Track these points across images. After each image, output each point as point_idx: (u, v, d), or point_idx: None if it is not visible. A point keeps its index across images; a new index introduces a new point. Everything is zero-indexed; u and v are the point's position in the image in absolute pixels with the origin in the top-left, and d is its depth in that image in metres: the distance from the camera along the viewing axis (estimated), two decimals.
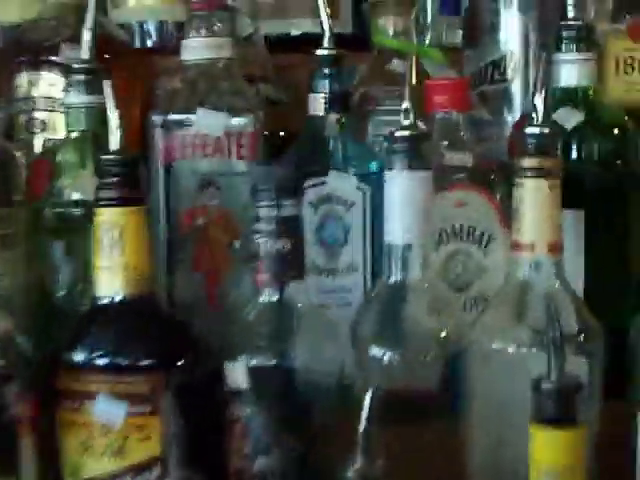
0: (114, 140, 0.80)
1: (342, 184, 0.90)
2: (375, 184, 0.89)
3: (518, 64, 1.06)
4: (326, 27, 0.92)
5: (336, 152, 0.91)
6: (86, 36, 0.89)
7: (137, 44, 1.13)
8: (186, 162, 0.88)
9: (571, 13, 0.94)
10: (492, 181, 0.92)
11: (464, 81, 0.95)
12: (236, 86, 0.91)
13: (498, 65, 1.06)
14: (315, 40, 1.05)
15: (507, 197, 0.88)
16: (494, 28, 1.07)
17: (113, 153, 0.79)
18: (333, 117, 0.91)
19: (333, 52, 0.91)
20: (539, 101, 0.82)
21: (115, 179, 0.79)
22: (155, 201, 0.88)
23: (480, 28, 1.08)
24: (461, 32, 1.14)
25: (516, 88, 1.06)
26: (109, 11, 1.14)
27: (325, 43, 0.92)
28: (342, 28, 1.12)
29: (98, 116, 0.87)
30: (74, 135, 0.91)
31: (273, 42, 1.09)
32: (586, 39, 0.93)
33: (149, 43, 1.14)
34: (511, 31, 1.06)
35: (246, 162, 0.88)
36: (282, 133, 1.00)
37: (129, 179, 0.79)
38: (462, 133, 0.92)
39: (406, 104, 0.80)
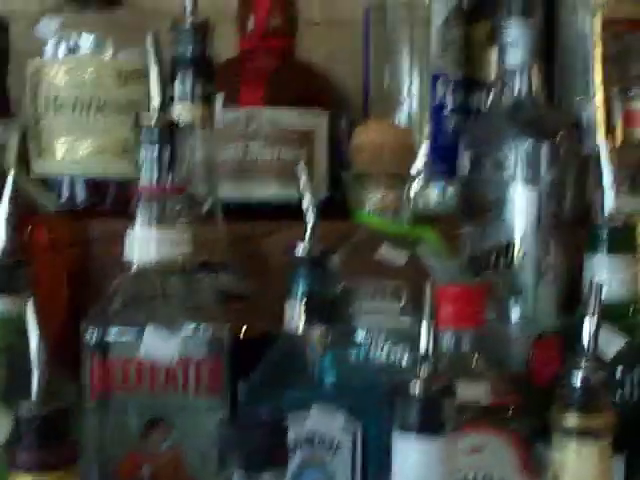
0: (36, 383, 0.60)
1: (326, 421, 0.70)
2: (368, 419, 0.71)
3: (529, 250, 0.88)
4: (310, 217, 0.73)
5: (319, 377, 0.72)
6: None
7: (65, 205, 0.92)
8: (128, 395, 0.68)
9: (609, 202, 0.78)
10: (509, 419, 0.73)
11: (481, 289, 0.76)
12: (195, 290, 0.72)
13: (504, 250, 0.88)
14: (283, 207, 0.91)
15: (526, 437, 0.71)
16: (499, 203, 0.89)
17: (32, 405, 0.59)
18: (316, 332, 0.72)
19: (317, 250, 0.73)
20: (588, 333, 0.64)
21: (32, 438, 0.59)
22: (86, 444, 0.68)
23: (481, 201, 0.90)
24: (455, 205, 0.96)
25: (527, 278, 0.88)
26: (32, 162, 0.94)
27: (307, 238, 0.73)
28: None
29: (12, 325, 0.68)
30: None
31: (232, 209, 0.89)
32: (626, 238, 0.77)
33: (80, 204, 0.93)
34: (520, 209, 0.89)
35: (207, 397, 0.68)
36: (243, 331, 0.80)
37: (52, 438, 0.59)
38: (475, 358, 0.74)
39: (425, 343, 0.61)
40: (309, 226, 0.73)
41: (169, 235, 0.70)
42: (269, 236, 0.93)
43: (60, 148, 0.93)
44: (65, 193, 0.93)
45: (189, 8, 0.82)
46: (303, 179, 0.74)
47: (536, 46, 0.89)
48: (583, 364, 0.65)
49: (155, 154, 0.70)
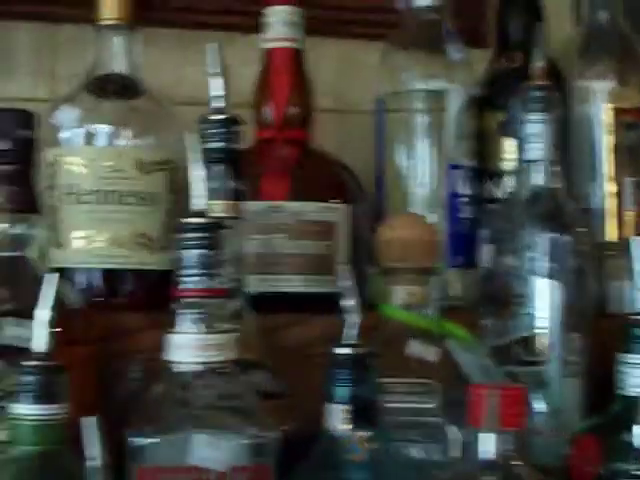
0: None
1: None
2: None
3: (553, 342, 0.88)
4: (354, 319, 0.72)
5: (358, 477, 0.71)
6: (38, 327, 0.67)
7: (82, 297, 0.88)
8: None
9: None
10: None
11: (522, 391, 0.76)
12: (237, 392, 0.71)
13: (529, 343, 0.88)
14: (305, 299, 0.93)
15: None
16: (521, 295, 0.89)
17: None
18: (359, 436, 0.71)
19: (358, 350, 0.72)
20: None
21: None
22: None
23: (504, 294, 0.90)
24: (474, 287, 0.96)
25: (551, 371, 0.88)
26: (49, 252, 0.92)
27: (350, 340, 0.72)
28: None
29: (51, 431, 0.66)
30: (15, 453, 0.69)
31: (254, 301, 0.88)
32: None
33: (97, 296, 0.92)
34: (543, 301, 0.89)
35: None
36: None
37: None
38: (517, 460, 0.73)
39: (490, 451, 0.61)
40: (354, 328, 0.72)
41: (214, 340, 0.69)
42: (291, 328, 0.92)
43: (78, 239, 0.92)
44: (82, 285, 0.92)
45: (221, 102, 0.81)
46: (348, 282, 0.73)
47: (556, 140, 0.90)
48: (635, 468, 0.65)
49: (200, 257, 0.69)
